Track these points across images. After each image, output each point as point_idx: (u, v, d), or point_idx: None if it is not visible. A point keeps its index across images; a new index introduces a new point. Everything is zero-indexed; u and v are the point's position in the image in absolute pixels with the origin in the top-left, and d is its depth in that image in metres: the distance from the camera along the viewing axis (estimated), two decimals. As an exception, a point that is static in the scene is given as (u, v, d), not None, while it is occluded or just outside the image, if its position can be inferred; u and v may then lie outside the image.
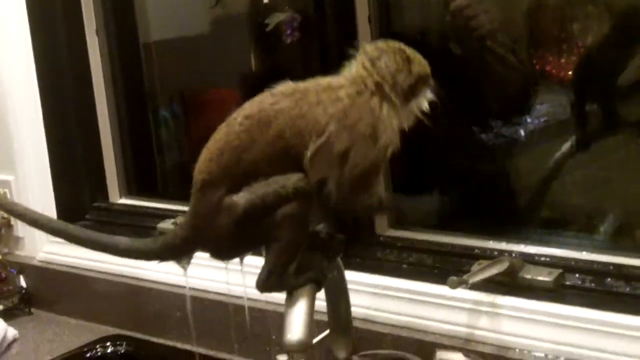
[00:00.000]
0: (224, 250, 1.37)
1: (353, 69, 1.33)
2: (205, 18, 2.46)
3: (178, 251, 1.38)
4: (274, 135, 1.28)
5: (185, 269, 1.39)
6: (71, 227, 1.51)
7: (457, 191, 1.97)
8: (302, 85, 1.32)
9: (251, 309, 1.72)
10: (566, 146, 1.82)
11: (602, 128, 1.83)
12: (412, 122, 1.35)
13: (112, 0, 2.35)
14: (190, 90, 2.52)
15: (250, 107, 1.31)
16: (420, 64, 1.34)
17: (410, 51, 1.34)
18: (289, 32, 1.92)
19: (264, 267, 1.35)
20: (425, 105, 1.35)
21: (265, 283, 1.35)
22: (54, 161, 2.31)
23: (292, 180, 1.27)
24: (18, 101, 2.28)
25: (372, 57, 1.32)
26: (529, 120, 1.89)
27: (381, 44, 1.35)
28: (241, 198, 1.27)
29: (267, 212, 1.27)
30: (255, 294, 1.43)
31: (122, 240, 1.44)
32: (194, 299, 1.83)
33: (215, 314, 1.91)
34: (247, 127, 1.28)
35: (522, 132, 1.89)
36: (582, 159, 1.81)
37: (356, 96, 1.29)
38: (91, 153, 2.36)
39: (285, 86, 1.32)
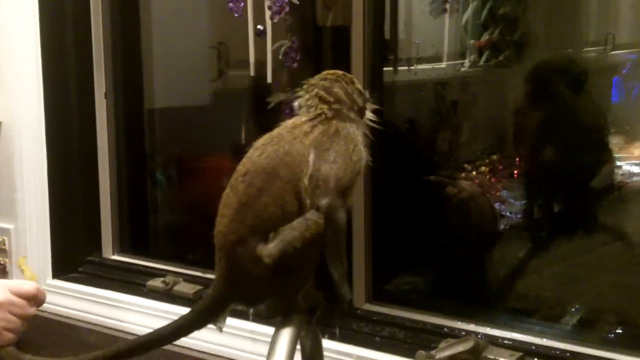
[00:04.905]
0: (257, 297, 1.47)
1: (310, 103, 1.45)
2: (206, 91, 2.62)
3: (215, 311, 1.47)
4: (272, 179, 1.40)
5: (221, 329, 1.46)
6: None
7: (432, 273, 2.10)
8: (274, 132, 1.44)
9: None
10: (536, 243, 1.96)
11: (572, 229, 1.96)
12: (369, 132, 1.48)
13: (121, 66, 2.49)
14: (186, 156, 2.66)
15: (244, 166, 1.42)
16: (360, 83, 1.51)
17: (349, 75, 1.50)
18: (287, 111, 2.05)
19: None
20: (372, 117, 1.49)
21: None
22: (53, 214, 2.41)
23: (312, 220, 1.39)
24: (26, 154, 2.38)
25: (325, 87, 1.46)
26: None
27: (327, 75, 1.48)
28: (274, 247, 1.38)
29: (294, 255, 1.38)
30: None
31: (167, 328, 1.50)
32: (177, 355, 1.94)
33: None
34: (249, 182, 1.40)
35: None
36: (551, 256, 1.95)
37: (321, 125, 1.43)
38: (89, 209, 2.46)
39: (260, 140, 1.44)
